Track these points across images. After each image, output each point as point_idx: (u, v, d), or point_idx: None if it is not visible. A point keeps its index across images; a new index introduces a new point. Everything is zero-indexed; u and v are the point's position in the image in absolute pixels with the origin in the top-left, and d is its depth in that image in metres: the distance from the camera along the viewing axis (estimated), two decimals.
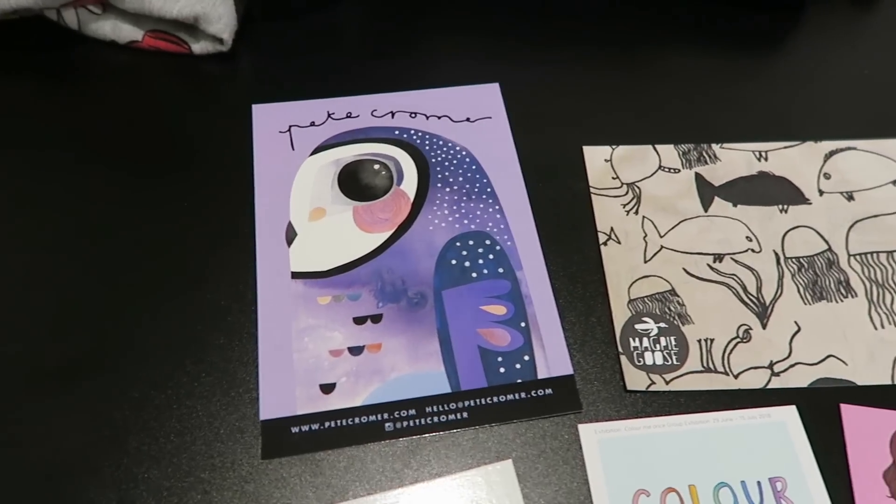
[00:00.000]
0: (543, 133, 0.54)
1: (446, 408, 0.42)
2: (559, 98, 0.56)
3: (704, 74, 0.58)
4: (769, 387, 0.43)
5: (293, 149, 0.52)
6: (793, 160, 0.53)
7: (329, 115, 0.54)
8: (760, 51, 0.60)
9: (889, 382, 0.44)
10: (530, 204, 0.50)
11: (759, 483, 0.40)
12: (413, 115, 0.54)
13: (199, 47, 0.56)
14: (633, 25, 0.61)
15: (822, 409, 0.43)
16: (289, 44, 0.59)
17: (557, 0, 0.62)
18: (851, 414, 0.43)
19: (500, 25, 0.60)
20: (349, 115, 0.54)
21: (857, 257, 0.48)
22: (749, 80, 0.58)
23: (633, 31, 0.60)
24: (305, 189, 0.50)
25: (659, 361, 0.44)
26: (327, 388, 0.42)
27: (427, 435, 0.41)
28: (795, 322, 0.46)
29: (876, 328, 0.45)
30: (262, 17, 0.60)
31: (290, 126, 0.53)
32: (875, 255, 0.48)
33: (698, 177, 0.52)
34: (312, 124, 0.53)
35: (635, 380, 0.43)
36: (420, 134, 0.53)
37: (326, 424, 0.41)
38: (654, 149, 0.53)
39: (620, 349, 0.44)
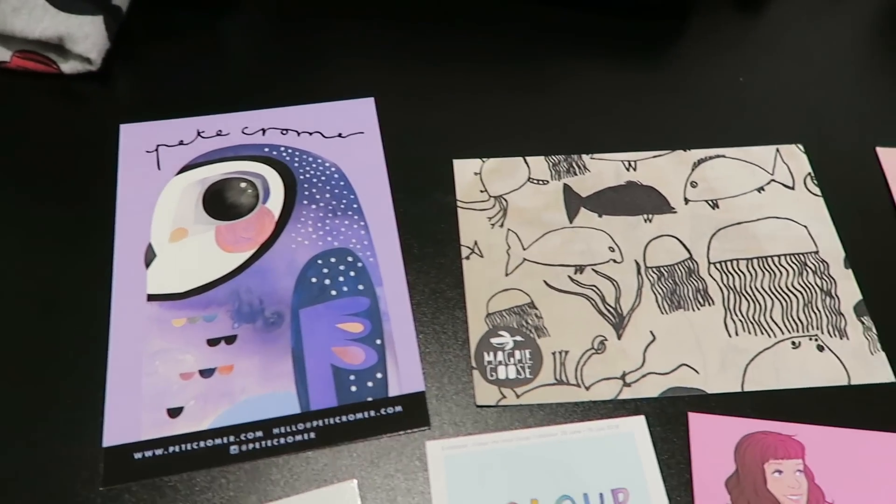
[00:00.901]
0: (416, 147, 0.54)
1: (294, 429, 0.42)
2: (434, 111, 0.56)
3: (582, 85, 0.58)
4: (620, 397, 0.44)
5: (159, 168, 0.52)
6: (661, 169, 0.53)
7: (199, 134, 0.54)
8: (640, 61, 0.61)
9: (738, 390, 0.44)
10: (396, 219, 0.50)
11: (601, 495, 0.41)
12: (284, 132, 0.54)
13: (68, 67, 0.55)
14: (512, 38, 0.61)
15: (671, 418, 0.44)
16: (166, 62, 0.59)
17: (438, 13, 0.62)
18: (698, 422, 0.43)
19: (378, 40, 0.61)
20: (219, 133, 0.54)
21: (718, 265, 0.49)
22: (627, 90, 0.58)
23: (512, 43, 0.61)
24: (168, 209, 0.50)
25: (512, 375, 0.44)
26: (174, 412, 0.42)
27: (274, 457, 0.41)
28: (651, 332, 0.46)
29: (730, 336, 0.46)
30: (143, 35, 0.60)
31: (158, 146, 0.53)
32: (735, 262, 0.49)
33: (566, 188, 0.52)
34: (181, 143, 0.53)
35: (486, 394, 0.44)
36: (290, 151, 0.53)
37: (171, 449, 0.41)
38: (525, 161, 0.54)
39: (474, 364, 0.45)
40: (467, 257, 0.49)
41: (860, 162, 0.55)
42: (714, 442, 0.43)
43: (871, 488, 0.41)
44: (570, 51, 0.61)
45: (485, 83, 0.58)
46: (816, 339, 0.46)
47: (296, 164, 0.53)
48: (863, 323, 0.47)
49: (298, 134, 0.54)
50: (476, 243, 0.49)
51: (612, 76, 0.59)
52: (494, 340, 0.46)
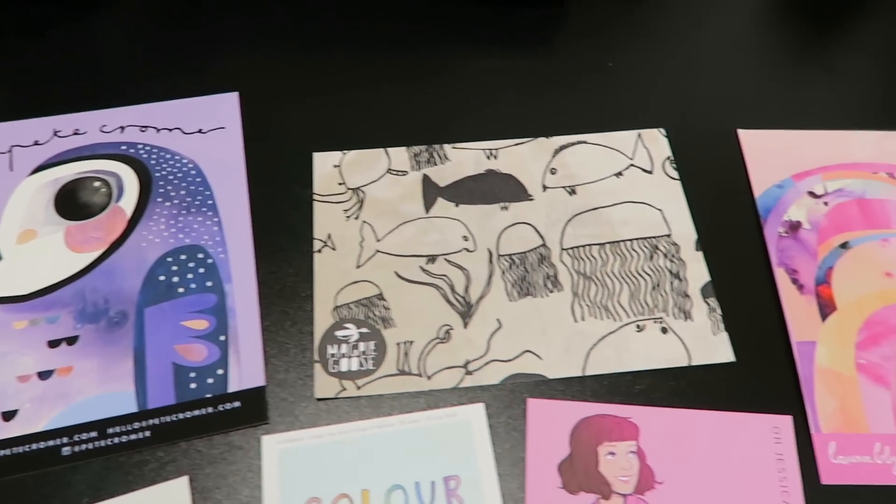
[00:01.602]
0: (278, 141, 0.54)
1: (129, 428, 0.42)
2: (299, 105, 0.56)
3: (451, 74, 0.59)
4: (462, 386, 0.45)
5: (11, 170, 0.52)
6: (522, 157, 0.54)
7: (55, 133, 0.53)
8: (513, 49, 0.61)
9: (580, 374, 0.45)
10: (252, 215, 0.51)
11: (433, 483, 0.41)
12: (144, 129, 0.54)
13: None
14: (382, 29, 0.61)
15: (511, 404, 0.44)
16: (26, 60, 0.58)
17: (308, 7, 0.62)
18: (537, 408, 0.44)
19: (245, 34, 0.60)
20: (76, 133, 0.54)
21: (570, 251, 0.50)
22: (498, 79, 0.59)
23: (382, 34, 0.61)
24: (18, 211, 0.50)
25: (354, 367, 0.45)
26: (9, 415, 0.42)
27: (108, 457, 0.42)
28: (498, 320, 0.47)
29: (576, 321, 0.47)
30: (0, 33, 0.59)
31: (12, 146, 0.53)
32: (588, 248, 0.50)
33: (425, 178, 0.53)
34: (36, 143, 0.53)
35: (325, 387, 0.44)
36: (148, 148, 0.53)
37: (1, 452, 0.41)
38: (386, 152, 0.54)
39: (316, 357, 0.45)
40: (319, 250, 0.49)
41: (721, 145, 0.55)
42: (551, 426, 0.43)
43: (701, 467, 0.42)
44: (441, 40, 0.61)
45: (352, 75, 0.58)
46: (661, 322, 0.47)
47: (152, 162, 0.52)
48: (708, 304, 0.48)
49: (158, 131, 0.54)
50: (329, 236, 0.50)
51: (483, 65, 0.59)
52: (339, 333, 0.46)
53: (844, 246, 0.50)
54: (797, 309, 0.48)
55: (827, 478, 0.42)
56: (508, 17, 0.63)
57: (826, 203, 0.52)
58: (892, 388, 0.45)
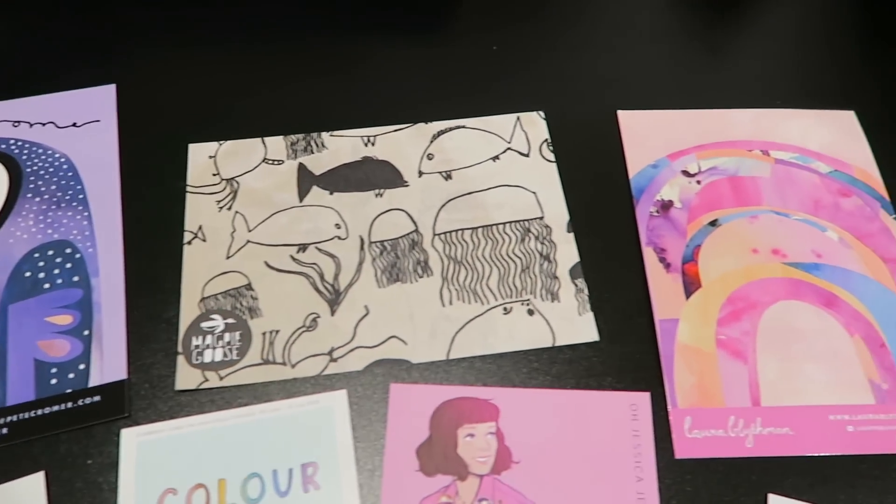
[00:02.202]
0: (154, 133, 0.54)
1: None
2: (175, 96, 0.56)
3: (336, 62, 0.59)
4: (326, 373, 0.45)
5: None
6: (400, 143, 0.54)
7: None
8: (401, 36, 0.61)
9: (444, 358, 0.46)
10: (123, 208, 0.50)
11: (290, 470, 0.42)
12: (16, 125, 0.54)
13: None
14: (265, 18, 0.61)
15: (375, 390, 0.45)
16: None
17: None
18: (399, 392, 0.45)
19: (126, 25, 0.60)
20: None
21: (442, 236, 0.50)
22: (384, 65, 0.59)
23: (265, 24, 0.61)
24: None
25: (218, 358, 0.45)
26: None
27: None
28: (365, 306, 0.47)
29: (444, 305, 0.48)
30: None
31: None
32: (460, 232, 0.50)
33: (301, 167, 0.53)
34: None
35: (187, 379, 0.44)
36: (20, 143, 0.53)
37: None
38: (263, 142, 0.54)
39: (180, 349, 0.45)
40: (189, 242, 0.49)
41: (602, 126, 0.56)
42: (412, 410, 0.44)
43: (558, 445, 0.43)
44: (323, 26, 0.61)
45: (231, 65, 0.58)
46: (528, 304, 0.48)
47: (24, 157, 0.52)
48: (576, 285, 0.49)
49: (31, 125, 0.54)
50: (201, 228, 0.50)
51: (366, 51, 0.59)
52: (205, 324, 0.46)
53: (714, 224, 0.51)
54: (662, 287, 0.49)
55: (681, 452, 0.43)
56: (394, 2, 0.63)
57: (699, 182, 0.53)
58: (750, 362, 0.46)
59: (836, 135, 0.56)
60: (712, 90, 0.58)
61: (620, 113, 0.56)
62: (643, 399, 0.45)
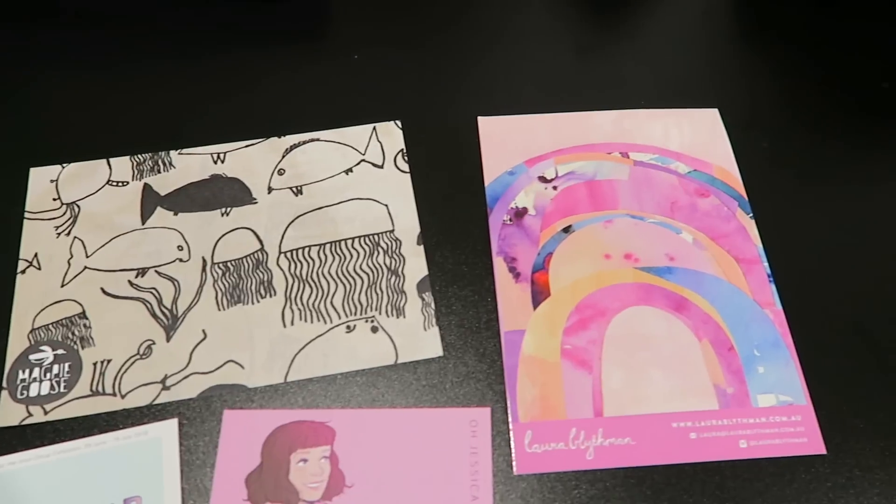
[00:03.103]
0: None
1: None
2: (18, 117, 0.55)
3: (183, 75, 0.57)
4: (158, 402, 0.44)
5: None
6: (251, 159, 0.53)
7: None
8: (256, 47, 0.60)
9: (282, 381, 0.45)
10: None
11: None
12: None
13: None
14: (114, 33, 0.60)
15: (208, 417, 0.44)
16: None
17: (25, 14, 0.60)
18: (232, 419, 0.44)
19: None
20: None
21: (288, 254, 0.49)
22: (234, 78, 0.58)
23: (114, 39, 0.59)
24: None
25: (45, 391, 0.44)
26: None
27: None
28: (203, 330, 0.46)
29: (285, 325, 0.47)
30: None
31: None
32: (307, 249, 0.50)
33: (146, 188, 0.52)
34: None
35: (9, 415, 0.43)
36: None
37: None
38: (108, 162, 0.53)
39: (5, 384, 0.44)
40: (23, 271, 0.48)
41: (462, 134, 0.55)
42: (244, 438, 0.43)
43: (394, 466, 0.42)
44: (178, 40, 0.59)
45: (79, 83, 0.57)
46: (373, 321, 0.47)
47: None
48: (423, 299, 0.48)
49: None
50: (36, 255, 0.49)
51: (219, 63, 0.58)
52: (34, 356, 0.45)
53: (567, 230, 0.51)
54: (511, 298, 0.48)
55: (521, 468, 0.43)
56: (252, 13, 0.61)
57: (555, 187, 0.53)
58: (595, 371, 0.46)
59: (698, 133, 0.55)
60: (578, 93, 0.58)
61: (481, 119, 0.56)
62: (483, 415, 0.44)
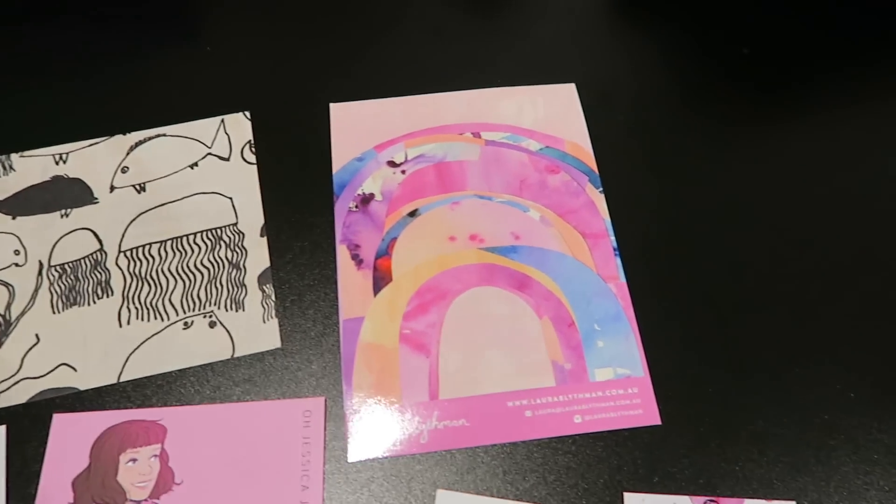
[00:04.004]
0: None
1: None
2: None
3: (23, 75, 0.57)
4: None
5: None
6: (94, 158, 0.53)
7: None
8: (115, 44, 0.59)
9: (115, 381, 0.45)
10: None
11: None
12: None
13: None
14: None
15: (38, 422, 0.44)
16: None
17: None
18: (61, 423, 0.44)
19: None
20: None
21: (128, 253, 0.49)
22: (79, 76, 0.57)
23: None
24: None
25: None
26: None
27: None
28: (36, 335, 0.46)
29: (121, 325, 0.47)
30: None
31: None
32: (147, 247, 0.49)
33: None
34: None
35: None
36: None
37: None
38: None
39: None
40: None
41: (312, 122, 0.55)
42: (73, 441, 0.43)
43: (226, 461, 0.43)
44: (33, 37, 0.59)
45: None
46: (211, 316, 0.47)
47: None
48: (264, 291, 0.48)
49: None
50: None
51: (63, 62, 0.58)
52: None
53: (413, 214, 0.51)
54: (352, 286, 0.48)
55: (354, 455, 0.43)
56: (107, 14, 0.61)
57: (404, 171, 0.53)
58: (433, 355, 0.46)
59: (552, 109, 0.56)
60: (436, 76, 0.58)
61: (332, 106, 0.55)
62: (318, 405, 0.45)
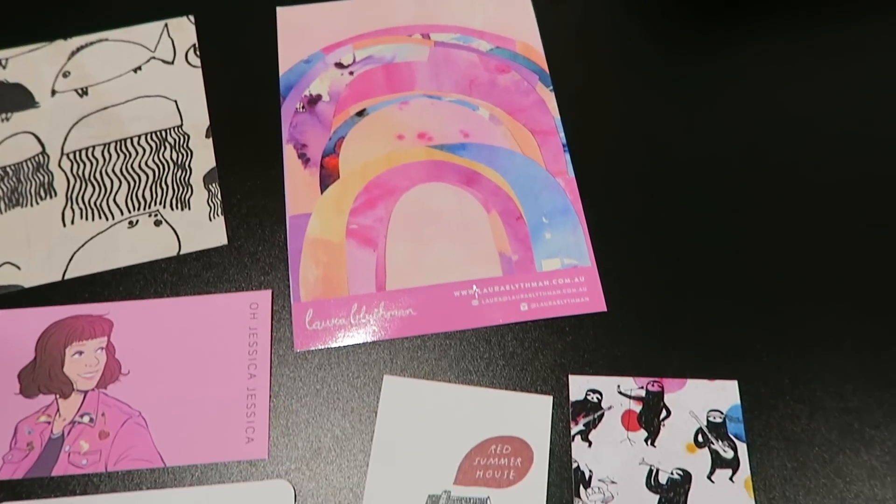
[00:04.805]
0: None
1: None
2: None
3: None
4: None
5: None
6: (34, 63, 0.53)
7: None
8: None
9: (60, 279, 0.45)
10: None
11: None
12: None
13: None
14: None
15: None
16: None
17: None
18: (5, 318, 0.44)
19: None
20: None
21: (71, 155, 0.49)
22: None
23: None
24: None
25: None
26: None
27: None
28: None
29: (65, 225, 0.47)
30: None
31: None
32: (91, 149, 0.49)
33: None
34: None
35: None
36: None
37: None
38: None
39: None
40: None
41: (259, 26, 0.55)
42: (18, 335, 0.44)
43: (173, 353, 0.43)
44: None
45: None
46: (156, 215, 0.47)
47: None
48: (210, 191, 0.48)
49: None
50: None
51: None
52: None
53: (361, 114, 0.51)
54: (299, 183, 0.48)
55: (300, 344, 0.44)
56: None
57: (352, 73, 0.53)
58: (380, 248, 0.47)
59: (503, 10, 0.56)
60: None
61: (279, 9, 0.55)
62: (264, 297, 0.45)
